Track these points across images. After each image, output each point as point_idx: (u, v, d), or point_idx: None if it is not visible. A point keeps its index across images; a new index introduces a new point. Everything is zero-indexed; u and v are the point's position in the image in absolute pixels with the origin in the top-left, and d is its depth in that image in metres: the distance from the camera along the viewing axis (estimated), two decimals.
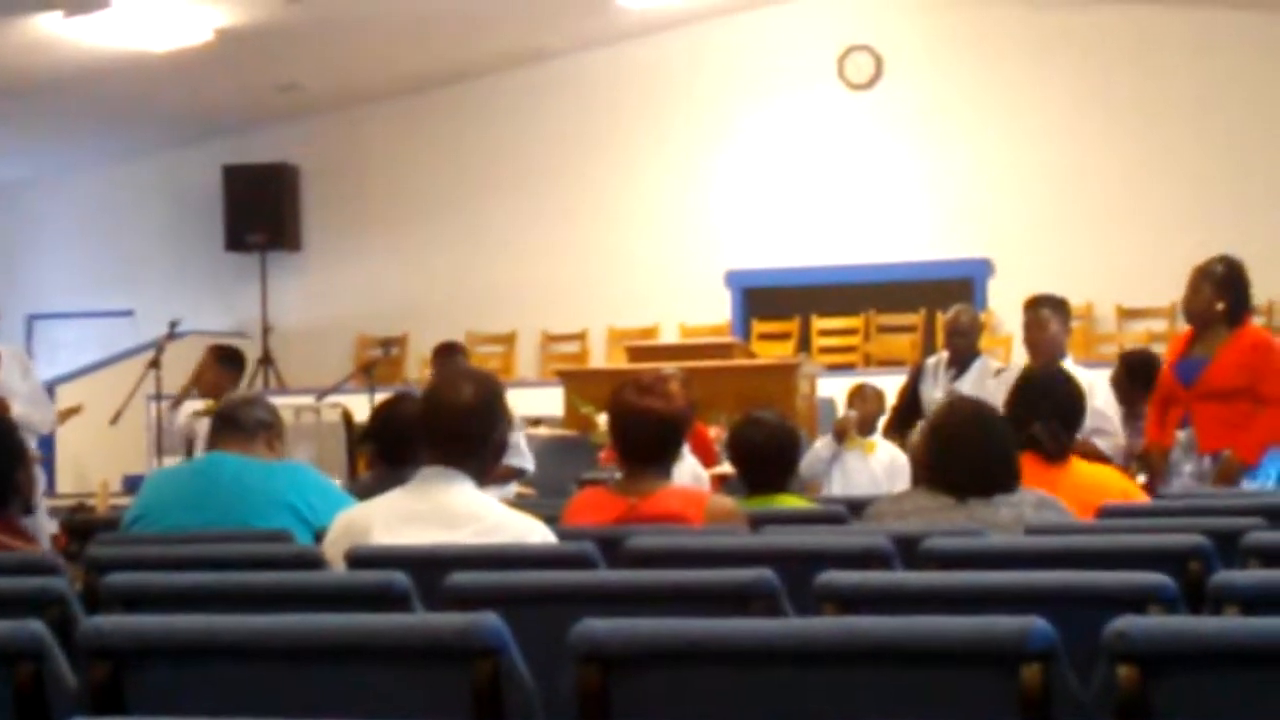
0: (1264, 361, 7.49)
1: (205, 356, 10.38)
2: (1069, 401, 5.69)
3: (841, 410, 10.89)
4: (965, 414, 5.05)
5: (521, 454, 9.15)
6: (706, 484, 8.09)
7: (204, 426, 9.64)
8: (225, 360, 10.37)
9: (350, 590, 3.66)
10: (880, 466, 10.30)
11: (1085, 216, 15.75)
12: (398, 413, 6.24)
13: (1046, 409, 5.57)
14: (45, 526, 9.66)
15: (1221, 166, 15.47)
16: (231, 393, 10.08)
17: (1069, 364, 8.40)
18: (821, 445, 10.16)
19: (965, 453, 4.90)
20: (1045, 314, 8.43)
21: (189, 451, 9.64)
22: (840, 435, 10.29)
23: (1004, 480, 4.90)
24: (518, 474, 9.17)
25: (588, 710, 2.63)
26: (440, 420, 4.43)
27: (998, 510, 4.79)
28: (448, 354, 9.79)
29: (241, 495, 5.26)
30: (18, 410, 9.87)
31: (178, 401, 10.33)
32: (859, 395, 10.59)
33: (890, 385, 10.37)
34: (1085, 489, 5.38)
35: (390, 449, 6.21)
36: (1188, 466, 7.51)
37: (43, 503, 10.16)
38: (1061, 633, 2.57)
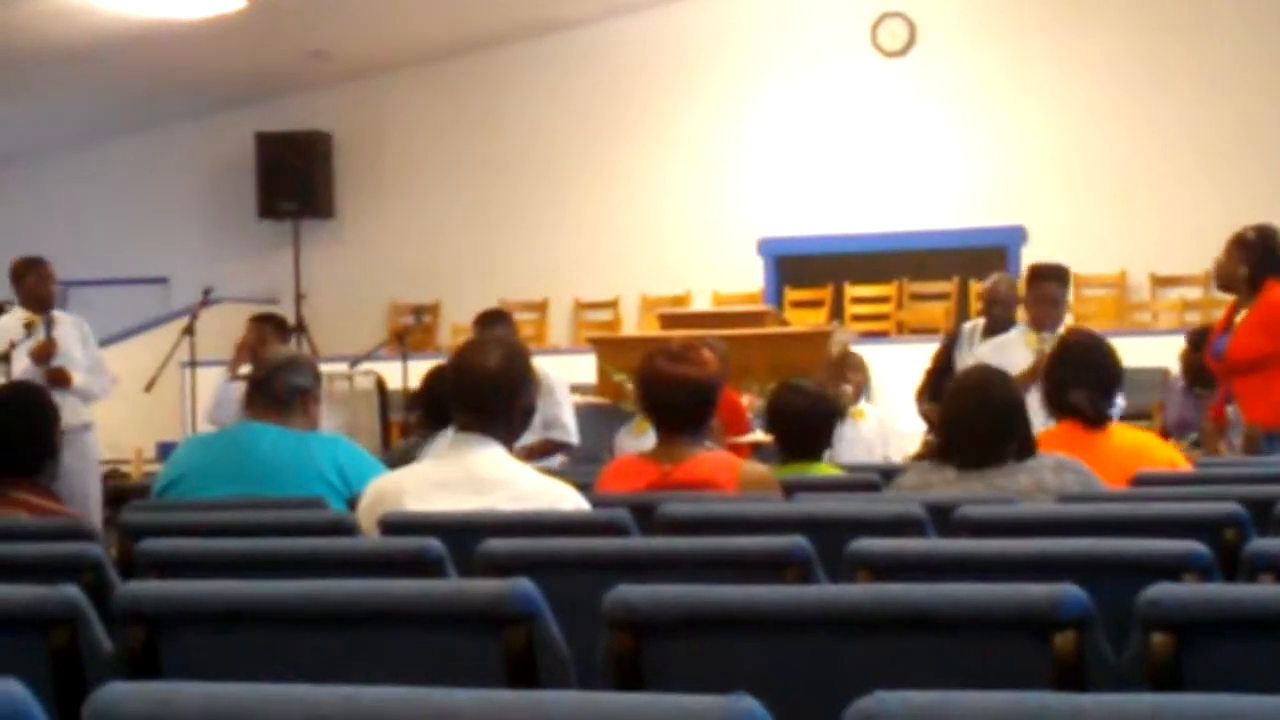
0: (1276, 320, 7.29)
1: (257, 329, 10.11)
2: (1107, 368, 5.67)
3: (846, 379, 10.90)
4: (971, 385, 5.01)
5: (564, 428, 9.10)
6: None
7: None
8: (279, 328, 10.30)
9: (385, 556, 3.67)
10: (871, 432, 10.35)
11: (1119, 184, 15.66)
12: (443, 380, 6.29)
13: (1086, 377, 5.56)
14: (96, 492, 9.71)
15: (1257, 134, 15.36)
16: None
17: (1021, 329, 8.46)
18: None
19: (972, 424, 4.86)
20: (1053, 289, 8.23)
21: None
22: (842, 410, 10.32)
23: (1016, 448, 4.85)
24: (561, 448, 9.13)
25: (621, 676, 2.63)
26: (468, 386, 4.44)
27: (1016, 478, 4.77)
28: (491, 322, 9.07)
29: (277, 466, 5.26)
30: (80, 381, 9.89)
31: (234, 371, 10.15)
32: (848, 365, 10.57)
33: (924, 353, 10.35)
34: (1126, 455, 5.35)
35: (435, 415, 6.29)
36: (1236, 439, 7.49)
37: (97, 471, 10.18)
38: (1095, 600, 2.57)
